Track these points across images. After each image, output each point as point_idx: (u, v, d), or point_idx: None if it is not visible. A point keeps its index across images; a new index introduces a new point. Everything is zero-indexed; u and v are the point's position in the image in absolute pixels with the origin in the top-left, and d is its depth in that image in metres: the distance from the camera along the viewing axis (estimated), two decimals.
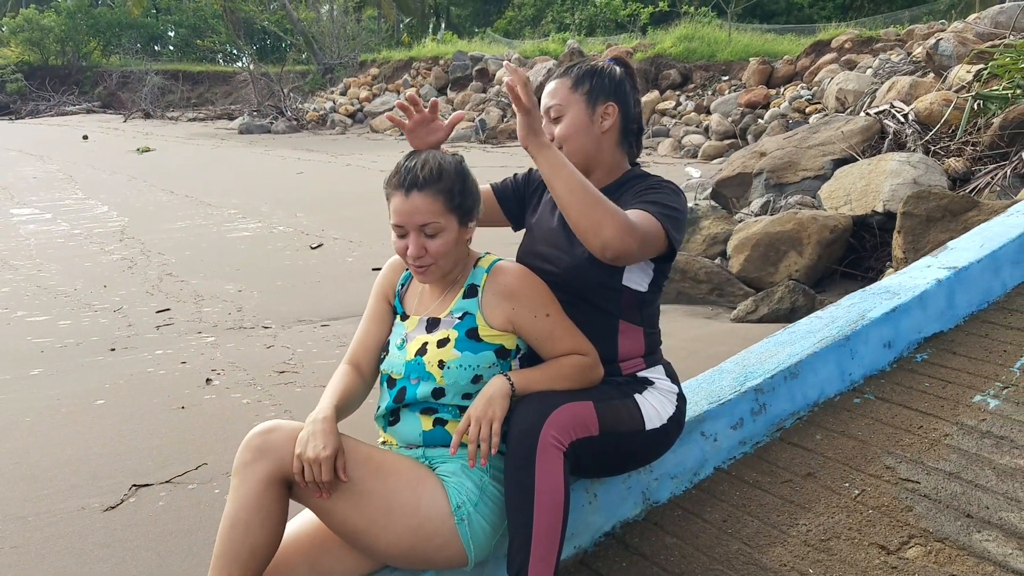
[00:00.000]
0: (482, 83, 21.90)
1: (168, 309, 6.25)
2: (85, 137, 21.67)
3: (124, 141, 20.49)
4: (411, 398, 1.97)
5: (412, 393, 1.97)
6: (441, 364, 1.95)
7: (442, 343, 1.98)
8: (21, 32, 36.55)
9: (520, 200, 2.40)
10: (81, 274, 7.47)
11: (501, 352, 2.00)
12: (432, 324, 2.03)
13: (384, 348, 2.10)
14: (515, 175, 2.45)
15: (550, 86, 2.18)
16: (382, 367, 2.07)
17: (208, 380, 4.69)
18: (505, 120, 18.65)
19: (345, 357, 2.12)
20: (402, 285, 2.17)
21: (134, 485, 3.43)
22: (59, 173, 14.86)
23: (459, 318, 2.01)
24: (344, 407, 1.96)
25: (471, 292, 2.03)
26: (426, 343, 1.99)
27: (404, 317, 2.11)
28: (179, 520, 3.15)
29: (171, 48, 42.57)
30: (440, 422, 1.97)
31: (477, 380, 1.97)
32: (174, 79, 32.47)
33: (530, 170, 2.40)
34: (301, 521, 1.95)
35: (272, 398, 4.39)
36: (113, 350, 5.32)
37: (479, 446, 1.86)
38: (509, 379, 1.94)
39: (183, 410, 4.26)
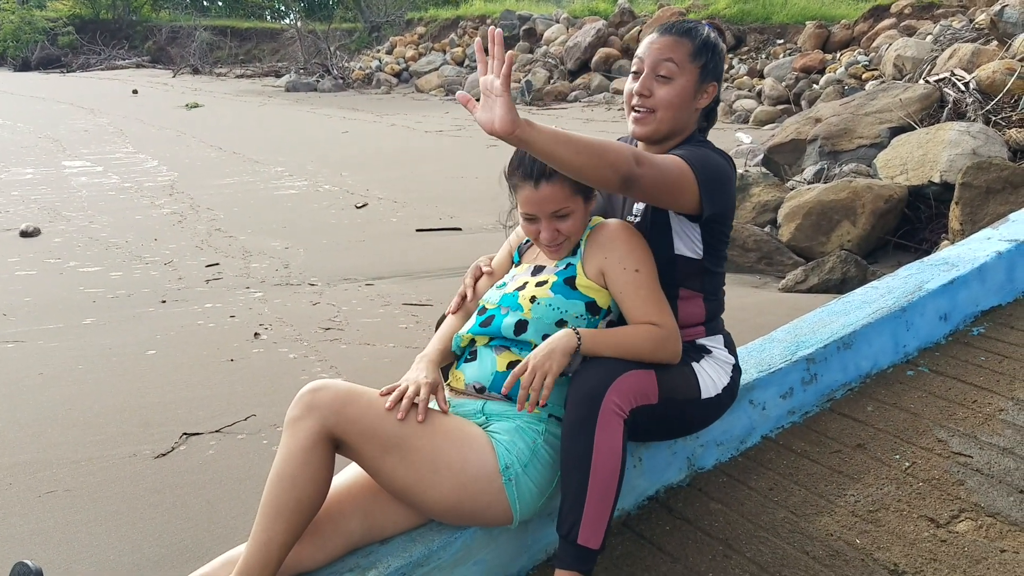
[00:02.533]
0: (529, 43, 21.59)
1: (217, 264, 6.34)
2: (135, 91, 21.89)
3: (173, 96, 20.69)
4: (495, 328, 2.05)
5: (498, 322, 2.06)
6: (533, 299, 2.04)
7: (540, 284, 2.07)
8: None
9: None
10: (132, 227, 7.59)
11: (592, 307, 2.05)
12: (538, 270, 2.14)
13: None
14: None
15: (665, 40, 2.10)
16: (480, 301, 2.19)
17: (256, 334, 4.76)
18: (552, 82, 18.44)
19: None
20: (526, 242, 2.32)
21: (184, 433, 3.50)
22: (109, 127, 15.07)
23: (563, 267, 2.11)
24: (446, 351, 2.15)
25: (576, 249, 2.13)
26: (527, 283, 2.10)
27: (518, 264, 2.27)
28: (228, 469, 3.22)
29: (220, 4, 42.68)
30: (514, 365, 2.00)
31: (561, 324, 2.02)
32: (222, 35, 32.59)
33: None
34: (355, 471, 1.98)
35: (318, 354, 4.44)
36: (164, 302, 5.42)
37: (529, 395, 1.89)
38: (578, 335, 1.95)
39: (232, 362, 4.33)
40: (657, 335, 2.00)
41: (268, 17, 40.15)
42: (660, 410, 2.01)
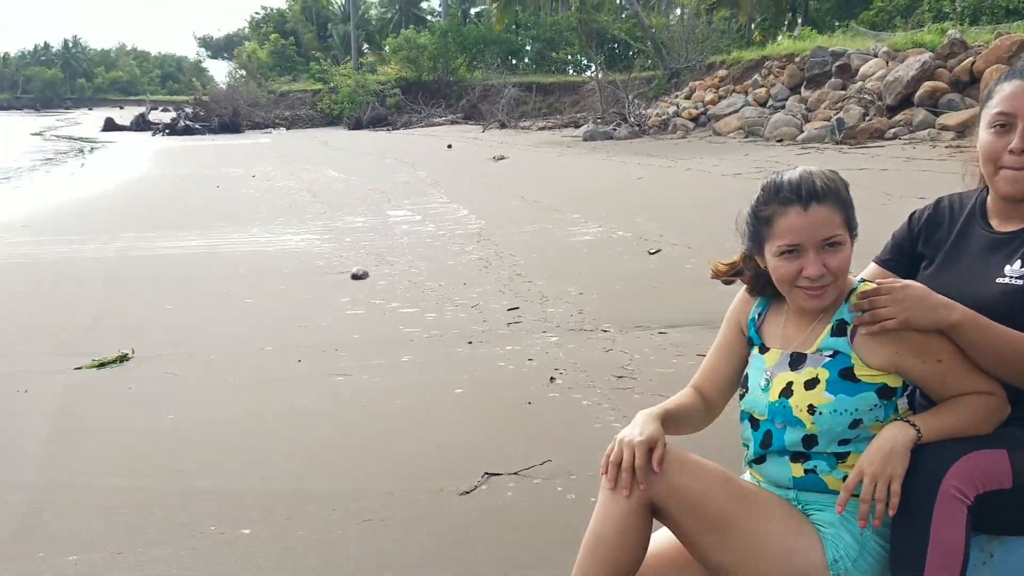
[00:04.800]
0: (842, 80, 20.47)
1: (517, 308, 6.59)
2: (449, 146, 23.81)
3: (482, 150, 22.20)
4: (778, 445, 1.84)
5: (780, 439, 1.83)
6: (811, 409, 1.78)
7: (810, 384, 1.80)
8: (400, 51, 41.57)
9: (912, 257, 2.12)
10: (444, 271, 8.16)
11: (884, 391, 1.78)
12: (797, 360, 1.85)
13: (742, 384, 1.98)
14: (900, 231, 2.17)
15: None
16: (742, 405, 1.96)
17: (552, 379, 4.85)
18: (867, 119, 17.33)
19: (691, 382, 2.07)
20: (758, 315, 2.02)
21: (486, 473, 3.61)
22: (427, 179, 16.47)
23: (829, 356, 1.81)
24: (676, 417, 1.91)
25: (840, 329, 1.82)
26: (791, 383, 1.83)
27: (763, 349, 1.95)
28: (525, 513, 3.26)
29: (527, 61, 45.57)
30: (812, 471, 1.81)
31: (856, 425, 1.77)
32: (528, 91, 34.66)
33: (935, 204, 2.11)
34: (664, 537, 1.90)
35: (611, 402, 4.42)
36: (470, 343, 5.72)
37: (873, 507, 1.67)
38: (914, 425, 1.71)
39: (529, 405, 4.44)
40: (992, 404, 1.74)
41: (571, 71, 42.14)
42: (1016, 497, 1.71)
